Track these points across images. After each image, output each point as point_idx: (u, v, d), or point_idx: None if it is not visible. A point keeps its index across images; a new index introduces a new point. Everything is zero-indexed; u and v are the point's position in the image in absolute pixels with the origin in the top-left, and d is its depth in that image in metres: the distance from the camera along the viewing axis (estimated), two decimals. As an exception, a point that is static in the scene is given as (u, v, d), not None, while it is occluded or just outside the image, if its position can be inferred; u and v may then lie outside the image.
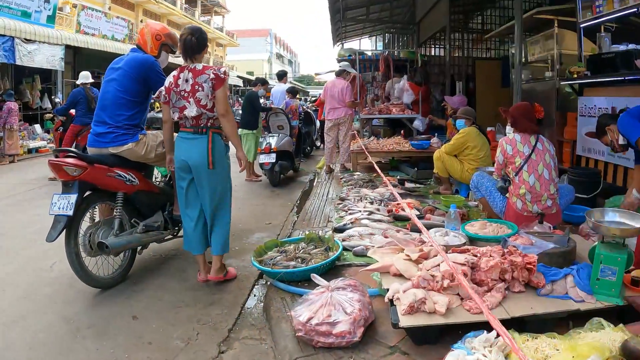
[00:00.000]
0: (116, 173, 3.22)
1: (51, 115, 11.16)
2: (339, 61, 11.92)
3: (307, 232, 3.95)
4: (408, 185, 6.17)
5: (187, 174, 3.16)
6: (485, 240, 3.34)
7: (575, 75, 5.45)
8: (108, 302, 3.10)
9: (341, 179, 7.08)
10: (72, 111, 7.91)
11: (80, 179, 3.00)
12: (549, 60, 6.85)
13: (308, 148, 10.86)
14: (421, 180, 6.73)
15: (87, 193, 3.16)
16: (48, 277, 3.57)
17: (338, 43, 14.73)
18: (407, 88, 8.91)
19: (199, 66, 3.07)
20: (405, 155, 7.57)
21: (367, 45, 19.50)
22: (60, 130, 8.37)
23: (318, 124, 11.53)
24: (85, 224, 3.20)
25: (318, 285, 2.68)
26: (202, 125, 3.08)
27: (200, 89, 3.01)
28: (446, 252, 2.62)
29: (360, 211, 4.70)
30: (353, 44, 15.84)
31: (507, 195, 3.91)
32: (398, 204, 4.86)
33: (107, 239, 3.06)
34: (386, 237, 3.61)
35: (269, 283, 3.31)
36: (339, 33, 14.12)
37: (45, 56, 12.59)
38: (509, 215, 3.87)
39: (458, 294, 2.46)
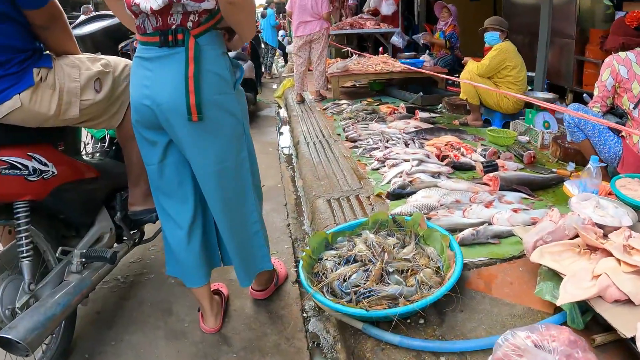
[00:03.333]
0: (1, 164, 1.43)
1: None
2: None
3: (371, 214, 2.42)
4: (422, 115, 4.74)
5: (156, 134, 1.62)
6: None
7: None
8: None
9: (324, 109, 5.50)
10: None
11: None
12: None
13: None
14: (428, 107, 5.36)
15: None
16: None
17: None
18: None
19: None
20: (392, 77, 6.04)
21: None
22: None
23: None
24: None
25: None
26: (174, 27, 1.45)
27: None
28: None
29: (404, 160, 3.22)
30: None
31: (622, 134, 2.69)
32: (447, 144, 3.46)
33: (10, 329, 1.35)
34: (534, 221, 2.22)
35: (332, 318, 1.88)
36: None
37: None
38: (629, 162, 2.68)
39: None
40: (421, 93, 5.46)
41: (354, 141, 4.06)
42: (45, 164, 1.58)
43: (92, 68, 1.71)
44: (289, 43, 14.07)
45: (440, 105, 5.39)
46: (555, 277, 1.79)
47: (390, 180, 3.06)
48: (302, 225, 3.02)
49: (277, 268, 2.30)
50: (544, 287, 1.78)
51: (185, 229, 1.73)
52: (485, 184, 2.93)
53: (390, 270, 1.90)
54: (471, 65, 4.31)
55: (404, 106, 5.04)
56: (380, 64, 6.07)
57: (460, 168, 3.24)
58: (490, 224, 2.42)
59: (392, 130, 4.18)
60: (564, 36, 5.27)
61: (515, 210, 2.49)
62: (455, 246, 2.02)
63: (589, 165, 2.32)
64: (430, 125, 4.33)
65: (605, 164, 2.84)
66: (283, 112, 6.73)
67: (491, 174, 2.95)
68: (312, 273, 1.98)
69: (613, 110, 2.80)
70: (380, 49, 7.01)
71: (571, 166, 3.13)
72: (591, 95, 2.92)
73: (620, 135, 2.76)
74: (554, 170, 3.20)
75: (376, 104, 5.66)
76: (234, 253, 1.79)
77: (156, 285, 2.35)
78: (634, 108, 2.67)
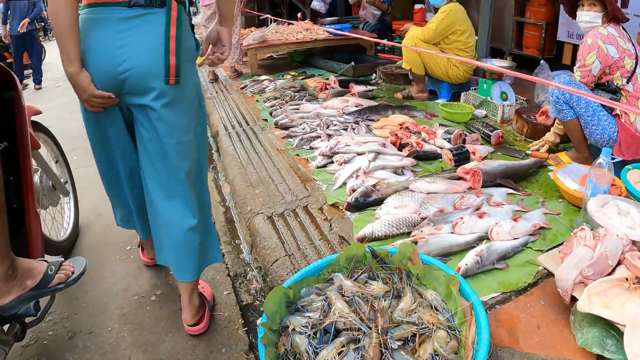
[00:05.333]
0: None
1: None
2: None
3: (343, 250, 1.73)
4: (357, 88, 4.09)
5: (113, 113, 1.48)
6: None
7: None
8: None
9: (243, 87, 4.65)
10: None
11: None
12: None
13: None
14: (361, 78, 4.72)
15: None
16: None
17: None
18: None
19: None
20: (316, 46, 5.27)
21: None
22: None
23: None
24: None
25: None
26: None
27: None
28: None
29: (356, 154, 2.55)
30: None
31: (616, 112, 2.28)
32: (402, 127, 2.86)
33: None
34: (536, 228, 1.69)
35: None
36: None
37: None
38: (627, 142, 2.30)
39: None
40: (352, 63, 4.78)
41: (286, 128, 3.30)
42: None
43: None
44: (194, 14, 12.62)
45: (375, 75, 4.77)
46: (599, 319, 1.34)
47: (344, 182, 2.38)
48: (239, 252, 2.25)
49: (200, 290, 1.84)
50: (589, 337, 1.36)
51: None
52: (461, 177, 2.36)
53: (392, 342, 1.24)
54: (415, 31, 3.69)
55: (335, 79, 4.33)
56: (302, 31, 5.27)
57: (423, 158, 2.65)
58: (487, 238, 1.86)
59: (329, 111, 3.48)
60: (502, -4, 4.89)
61: (514, 219, 1.94)
62: (471, 294, 1.40)
63: (600, 160, 1.80)
64: (373, 102, 3.68)
65: (596, 145, 2.39)
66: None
67: (467, 166, 2.39)
68: (278, 356, 1.27)
69: (605, 87, 2.34)
70: (299, 14, 6.17)
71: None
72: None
73: (614, 113, 2.31)
74: (527, 152, 2.72)
75: (301, 77, 4.90)
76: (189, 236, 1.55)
77: None
78: (627, 82, 2.25)
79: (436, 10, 3.73)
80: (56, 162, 2.37)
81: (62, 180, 2.20)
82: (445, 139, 2.79)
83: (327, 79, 4.68)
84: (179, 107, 1.43)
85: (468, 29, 3.67)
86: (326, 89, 4.11)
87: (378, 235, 1.91)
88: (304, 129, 3.16)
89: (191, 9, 11.69)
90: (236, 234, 2.39)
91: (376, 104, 3.62)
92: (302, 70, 5.30)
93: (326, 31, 5.19)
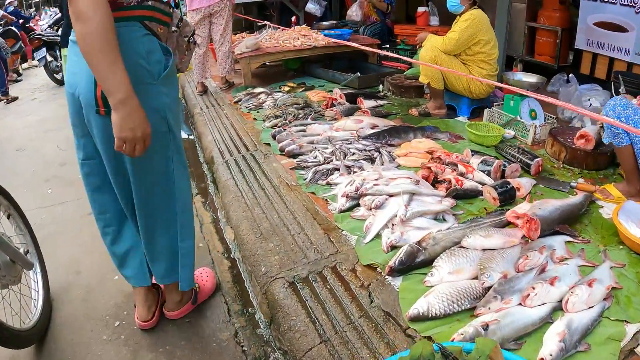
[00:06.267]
0: None
1: None
2: None
3: (410, 349, 1.32)
4: (368, 103, 3.71)
5: (81, 129, 1.46)
6: None
7: None
8: None
9: (237, 102, 4.22)
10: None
11: None
12: None
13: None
14: (366, 89, 4.34)
15: None
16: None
17: None
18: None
19: None
20: (314, 54, 4.84)
21: None
22: None
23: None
24: None
25: None
26: None
27: None
28: None
29: (387, 195, 2.16)
30: None
31: None
32: (432, 156, 2.50)
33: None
34: (608, 290, 1.32)
35: None
36: None
37: None
38: None
39: None
40: (358, 73, 4.38)
41: (294, 156, 2.89)
42: None
43: None
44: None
45: (382, 86, 4.38)
46: None
47: (378, 234, 1.99)
48: (255, 326, 1.83)
49: (199, 282, 1.96)
50: None
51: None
52: (511, 223, 2.00)
53: None
54: (434, 41, 3.31)
55: (342, 93, 3.93)
56: (299, 37, 4.85)
57: (462, 196, 2.27)
58: (561, 309, 1.51)
59: (341, 133, 3.07)
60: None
61: (589, 284, 1.58)
62: None
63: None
64: (388, 122, 3.29)
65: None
66: (182, 102, 5.26)
67: (519, 210, 2.02)
68: None
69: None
70: (293, 18, 5.74)
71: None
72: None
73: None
74: (572, 184, 2.38)
75: (301, 89, 4.48)
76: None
77: None
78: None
79: (449, 16, 3.37)
80: (8, 217, 1.88)
81: (21, 249, 1.74)
82: (483, 172, 2.42)
83: (330, 91, 4.29)
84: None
85: (492, 39, 3.31)
86: (333, 104, 3.71)
87: (435, 314, 1.53)
88: (315, 158, 2.75)
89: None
90: (248, 298, 1.98)
91: (393, 123, 3.24)
92: (301, 80, 4.87)
93: (326, 38, 4.78)
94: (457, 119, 3.47)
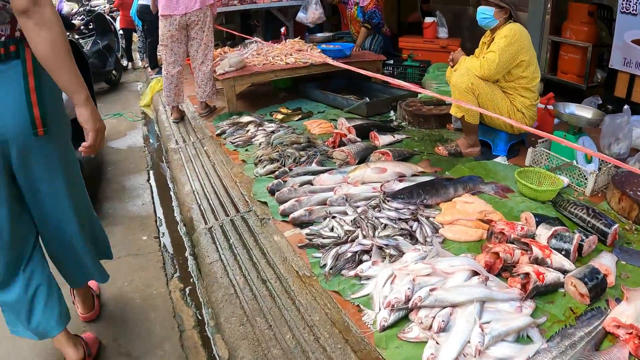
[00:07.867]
0: None
1: None
2: None
3: None
4: (384, 139, 3.05)
5: None
6: None
7: None
8: None
9: (220, 135, 3.51)
10: None
11: None
12: None
13: (114, 73, 6.25)
14: (376, 116, 3.69)
15: None
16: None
17: None
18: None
19: None
20: (310, 73, 4.14)
21: None
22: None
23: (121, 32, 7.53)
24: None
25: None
26: (3, 38, 1.28)
27: None
28: None
29: (451, 307, 1.49)
30: None
31: None
32: (496, 231, 1.84)
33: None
34: None
35: None
36: None
37: None
38: None
39: None
40: (367, 99, 3.69)
41: (300, 224, 2.19)
42: None
43: None
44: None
45: (394, 114, 3.72)
46: None
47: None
48: None
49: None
50: None
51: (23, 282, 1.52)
52: (611, 332, 1.37)
53: None
54: (469, 63, 2.66)
55: (349, 125, 3.24)
56: (292, 53, 4.14)
57: (542, 293, 1.62)
58: None
59: (361, 189, 2.38)
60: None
61: None
62: None
63: None
64: (416, 167, 2.62)
65: None
66: (155, 128, 4.49)
67: (623, 319, 1.40)
68: None
69: None
70: (283, 29, 5.01)
71: None
72: None
73: None
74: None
75: (297, 117, 3.78)
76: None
77: None
78: None
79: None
80: None
81: None
82: (559, 251, 1.77)
83: (333, 119, 3.60)
84: (58, 156, 1.46)
85: (534, 61, 2.70)
86: (342, 142, 3.02)
87: None
88: (332, 230, 2.06)
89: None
90: None
91: (420, 169, 2.58)
92: (295, 105, 4.16)
93: (322, 55, 4.09)
94: (495, 160, 2.82)
